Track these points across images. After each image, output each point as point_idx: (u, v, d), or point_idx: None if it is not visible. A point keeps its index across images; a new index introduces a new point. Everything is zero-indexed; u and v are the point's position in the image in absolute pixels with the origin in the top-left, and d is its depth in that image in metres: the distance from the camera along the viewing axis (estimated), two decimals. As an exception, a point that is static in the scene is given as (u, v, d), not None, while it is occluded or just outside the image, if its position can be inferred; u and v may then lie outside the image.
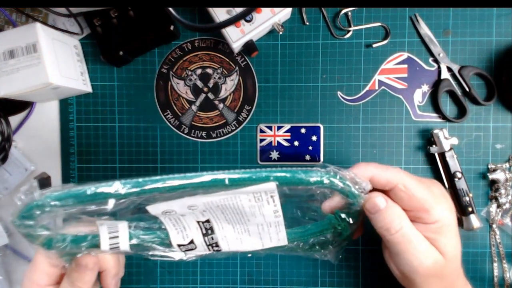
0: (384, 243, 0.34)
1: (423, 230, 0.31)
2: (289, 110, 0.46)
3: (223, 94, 0.46)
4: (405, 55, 0.45)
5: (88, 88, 0.45)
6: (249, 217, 0.31)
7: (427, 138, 0.45)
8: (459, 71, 0.44)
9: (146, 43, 0.44)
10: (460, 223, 0.44)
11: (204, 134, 0.46)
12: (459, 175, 0.43)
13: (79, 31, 0.44)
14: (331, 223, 0.34)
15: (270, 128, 0.46)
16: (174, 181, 0.28)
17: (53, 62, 0.39)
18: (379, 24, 0.44)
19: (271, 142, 0.46)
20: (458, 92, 0.44)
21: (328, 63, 0.45)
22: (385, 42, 0.44)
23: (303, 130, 0.46)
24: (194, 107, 0.46)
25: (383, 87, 0.45)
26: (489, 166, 0.44)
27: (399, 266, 0.32)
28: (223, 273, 0.47)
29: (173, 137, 0.46)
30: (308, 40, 0.45)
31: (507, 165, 0.44)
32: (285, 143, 0.46)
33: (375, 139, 0.45)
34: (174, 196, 0.29)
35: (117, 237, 0.31)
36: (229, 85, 0.46)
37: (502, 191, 0.44)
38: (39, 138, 0.47)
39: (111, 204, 0.28)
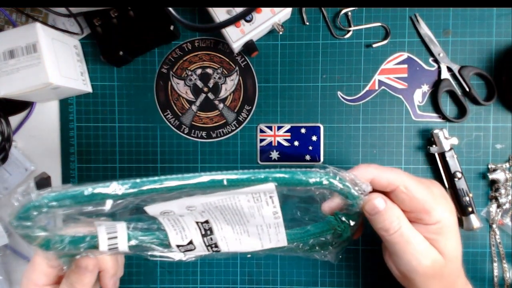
0: (384, 244, 0.34)
1: (423, 231, 0.31)
2: (289, 110, 0.46)
3: (223, 94, 0.46)
4: (405, 55, 0.45)
5: (88, 88, 0.45)
6: (248, 218, 0.31)
7: (427, 138, 0.45)
8: (459, 71, 0.44)
9: (146, 43, 0.44)
10: (460, 223, 0.44)
11: (204, 134, 0.46)
12: (459, 175, 0.43)
13: (79, 31, 0.44)
14: (331, 224, 0.34)
15: (270, 128, 0.46)
16: (172, 181, 0.27)
17: (53, 62, 0.39)
18: (379, 24, 0.44)
19: (271, 142, 0.46)
20: (458, 92, 0.44)
21: (328, 63, 0.45)
22: (385, 42, 0.44)
23: (303, 130, 0.46)
24: (194, 107, 0.46)
25: (383, 87, 0.45)
26: (489, 166, 0.44)
27: (399, 266, 0.32)
28: (223, 273, 0.47)
29: (173, 137, 0.46)
30: (308, 40, 0.45)
31: (507, 165, 0.44)
32: (285, 143, 0.46)
33: (375, 139, 0.45)
34: (172, 196, 0.28)
35: (115, 237, 0.31)
36: (229, 85, 0.46)
37: (502, 191, 0.44)
38: (39, 138, 0.47)
39: (108, 204, 0.28)
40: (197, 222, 0.31)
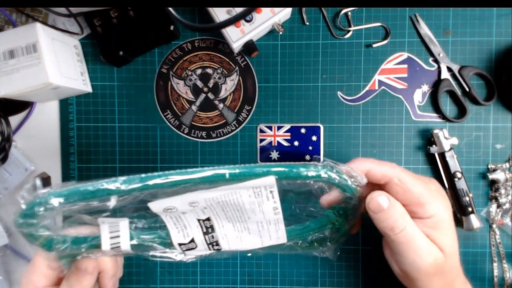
0: (385, 242, 0.34)
1: (420, 226, 0.32)
2: (289, 110, 0.46)
3: (223, 94, 0.46)
4: (405, 55, 0.45)
5: (88, 88, 0.46)
6: (249, 214, 0.31)
7: (427, 138, 0.45)
8: (459, 71, 0.44)
9: (146, 43, 0.44)
10: (460, 223, 0.44)
11: (204, 134, 0.46)
12: (459, 175, 0.43)
13: (79, 31, 0.44)
14: (329, 219, 0.34)
15: (270, 128, 0.46)
16: (176, 176, 0.28)
17: (53, 62, 0.39)
18: (379, 24, 0.44)
19: (271, 142, 0.46)
20: (458, 92, 0.44)
21: (328, 63, 0.45)
22: (385, 42, 0.44)
23: (303, 130, 0.46)
24: (194, 107, 0.46)
25: (383, 87, 0.45)
26: (489, 166, 0.44)
27: (402, 264, 0.32)
28: (223, 273, 0.47)
29: (173, 137, 0.46)
30: (308, 40, 0.45)
31: (507, 165, 0.44)
32: (285, 143, 0.46)
33: (375, 139, 0.45)
34: (175, 192, 0.29)
35: (118, 236, 0.31)
36: (229, 85, 0.46)
37: (502, 191, 0.44)
38: (39, 138, 0.47)
39: (113, 200, 0.28)
40: (198, 220, 0.32)
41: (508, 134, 0.44)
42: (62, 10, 0.41)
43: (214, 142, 0.46)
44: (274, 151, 0.46)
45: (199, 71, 0.46)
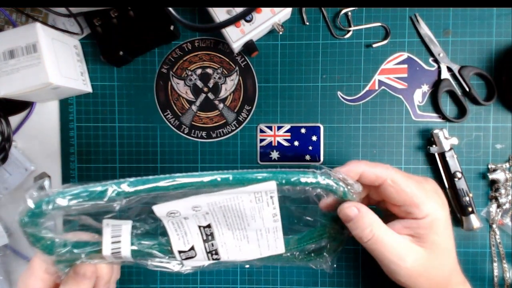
0: None
1: (414, 226, 0.32)
2: (289, 110, 0.46)
3: (223, 94, 0.46)
4: (405, 55, 0.45)
5: (88, 88, 0.45)
6: (249, 221, 0.32)
7: (427, 138, 0.45)
8: (459, 71, 0.44)
9: (146, 43, 0.44)
10: (460, 223, 0.44)
11: (204, 134, 0.46)
12: (459, 175, 0.43)
13: (79, 31, 0.44)
14: (325, 228, 0.35)
15: (270, 128, 0.46)
16: (182, 179, 0.29)
17: (53, 62, 0.39)
18: (379, 24, 0.44)
19: (271, 142, 0.46)
20: (458, 92, 0.44)
21: (328, 63, 0.45)
22: (385, 42, 0.44)
23: (303, 130, 0.46)
24: (194, 107, 0.46)
25: (383, 87, 0.45)
26: (489, 166, 0.44)
27: (382, 267, 0.33)
28: (223, 273, 0.47)
29: (173, 137, 0.46)
30: (308, 40, 0.45)
31: (507, 165, 0.44)
32: (285, 143, 0.46)
33: (375, 139, 0.45)
34: (179, 195, 0.29)
35: (119, 241, 0.31)
36: (229, 85, 0.46)
37: (502, 191, 0.44)
38: (39, 138, 0.47)
39: (120, 201, 0.29)
40: (199, 227, 0.32)
41: (508, 134, 0.44)
42: (62, 10, 0.41)
43: (214, 142, 0.46)
44: (274, 151, 0.46)
45: (199, 71, 0.46)
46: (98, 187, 0.28)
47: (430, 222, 0.32)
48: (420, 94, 0.45)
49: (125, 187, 0.28)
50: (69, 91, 0.43)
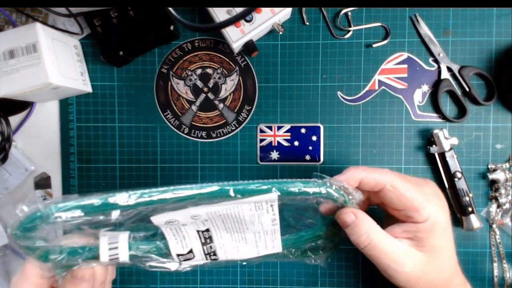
0: None
1: (414, 230, 0.32)
2: (289, 110, 0.46)
3: (223, 94, 0.46)
4: (405, 55, 0.45)
5: (88, 88, 0.45)
6: (248, 225, 0.32)
7: (427, 138, 0.45)
8: (459, 71, 0.44)
9: (146, 43, 0.44)
10: (460, 223, 0.44)
11: (204, 134, 0.46)
12: (459, 175, 0.43)
13: (79, 31, 0.44)
14: (323, 229, 0.35)
15: (270, 128, 0.46)
16: (182, 191, 0.28)
17: (53, 62, 0.39)
18: (379, 24, 0.44)
19: (271, 142, 0.46)
20: (458, 92, 0.44)
21: (328, 63, 0.45)
22: (385, 42, 0.44)
23: (303, 130, 0.46)
24: (194, 107, 0.46)
25: (383, 87, 0.45)
26: (489, 166, 0.44)
27: (381, 272, 0.34)
28: (223, 273, 0.47)
29: (173, 137, 0.46)
30: (308, 40, 0.45)
31: (507, 165, 0.44)
32: (285, 143, 0.46)
33: (375, 139, 0.45)
34: (179, 206, 0.29)
35: (116, 248, 0.31)
36: (229, 85, 0.46)
37: (502, 191, 0.44)
38: (39, 138, 0.47)
39: (117, 215, 0.28)
40: (198, 231, 0.32)
41: (508, 134, 0.44)
42: (62, 10, 0.41)
43: (214, 142, 0.46)
44: (274, 151, 0.46)
45: (199, 71, 0.46)
46: (94, 200, 0.27)
47: (430, 225, 0.32)
48: (420, 94, 0.45)
49: (122, 200, 0.28)
50: (69, 91, 0.43)
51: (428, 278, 0.32)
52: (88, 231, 0.31)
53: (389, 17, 0.44)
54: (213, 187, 0.29)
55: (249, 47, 0.42)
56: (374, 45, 0.44)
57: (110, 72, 0.46)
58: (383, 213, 0.37)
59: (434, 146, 0.43)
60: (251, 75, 0.46)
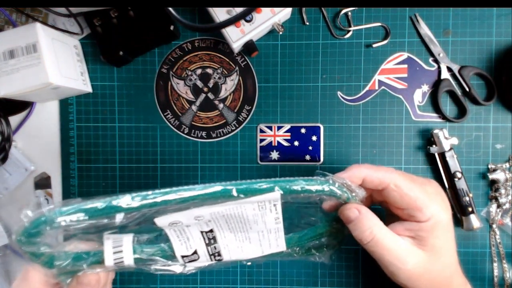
0: None
1: (416, 229, 0.32)
2: (289, 110, 0.46)
3: (223, 94, 0.46)
4: (405, 55, 0.45)
5: (88, 88, 0.45)
6: (251, 225, 0.32)
7: (427, 138, 0.45)
8: (459, 71, 0.44)
9: (146, 43, 0.44)
10: (460, 223, 0.44)
11: (204, 134, 0.46)
12: (459, 175, 0.43)
13: (79, 31, 0.44)
14: (326, 227, 0.35)
15: (270, 128, 0.46)
16: (185, 192, 0.28)
17: (53, 62, 0.39)
18: (379, 24, 0.44)
19: (271, 142, 0.46)
20: (458, 92, 0.44)
21: (328, 63, 0.45)
22: (385, 42, 0.44)
23: (303, 130, 0.46)
24: (194, 107, 0.46)
25: (383, 87, 0.45)
26: (489, 166, 0.44)
27: (383, 268, 0.34)
28: (223, 273, 0.47)
29: (173, 137, 0.46)
30: (308, 40, 0.45)
31: (507, 165, 0.44)
32: (285, 143, 0.46)
33: (375, 139, 0.45)
34: (182, 207, 0.29)
35: (121, 251, 0.31)
36: (229, 85, 0.46)
37: (502, 191, 0.44)
38: (39, 138, 0.47)
39: (121, 218, 0.28)
40: (201, 232, 0.32)
41: (508, 134, 0.44)
42: (62, 10, 0.41)
43: (214, 142, 0.46)
44: (274, 151, 0.46)
45: (199, 71, 0.46)
46: (97, 203, 0.27)
47: (432, 225, 0.32)
48: (420, 94, 0.45)
49: (125, 203, 0.28)
50: (69, 91, 0.43)
51: (429, 277, 0.32)
52: (92, 235, 0.31)
53: (389, 17, 0.44)
54: (216, 188, 0.29)
55: (249, 47, 0.42)
56: (374, 45, 0.44)
57: (110, 72, 0.46)
58: (385, 211, 0.37)
59: (434, 146, 0.43)
60: (251, 75, 0.46)
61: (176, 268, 0.34)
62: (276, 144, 0.46)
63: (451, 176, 0.43)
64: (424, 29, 0.44)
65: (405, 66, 0.45)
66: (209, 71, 0.46)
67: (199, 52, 0.46)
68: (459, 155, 0.44)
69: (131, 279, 0.47)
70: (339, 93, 0.45)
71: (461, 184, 0.43)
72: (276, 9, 0.40)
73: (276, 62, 0.45)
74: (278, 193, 0.30)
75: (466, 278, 0.35)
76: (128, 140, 0.46)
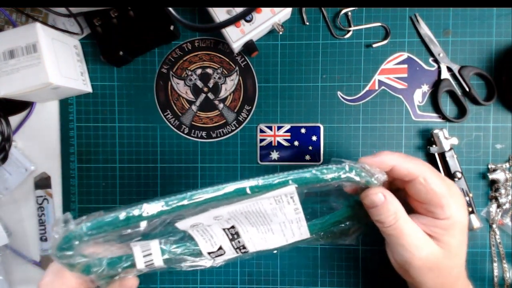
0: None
1: (431, 225, 0.32)
2: (289, 110, 0.46)
3: (223, 94, 0.46)
4: (405, 55, 0.45)
5: (88, 88, 0.45)
6: (271, 218, 0.32)
7: (427, 138, 0.45)
8: (459, 71, 0.44)
9: (146, 43, 0.44)
10: (460, 223, 0.44)
11: (204, 134, 0.46)
12: (459, 175, 0.43)
13: (79, 31, 0.44)
14: (348, 211, 0.35)
15: (270, 128, 0.46)
16: (201, 195, 0.29)
17: (53, 62, 0.39)
18: (379, 24, 0.44)
19: (271, 142, 0.46)
20: (458, 92, 0.44)
21: (328, 63, 0.45)
22: (385, 42, 0.44)
23: (303, 130, 0.46)
24: (194, 107, 0.46)
25: (383, 87, 0.45)
26: (489, 166, 0.44)
27: (394, 255, 0.33)
28: (223, 273, 0.47)
29: (173, 137, 0.46)
30: (308, 40, 0.45)
31: (507, 165, 0.44)
32: (285, 143, 0.46)
33: (375, 139, 0.45)
34: (200, 210, 0.30)
35: (150, 254, 0.32)
36: (229, 85, 0.46)
37: (502, 191, 0.44)
38: (39, 138, 0.47)
39: (143, 225, 0.30)
40: (224, 229, 0.33)
41: (508, 134, 0.44)
42: (62, 10, 0.41)
43: (214, 142, 0.46)
44: (274, 151, 0.46)
45: (199, 71, 0.46)
46: (121, 213, 0.29)
47: (450, 224, 0.31)
48: (420, 94, 0.45)
49: (144, 211, 0.29)
50: (69, 91, 0.43)
51: (438, 273, 0.32)
52: (118, 245, 0.32)
53: (389, 17, 0.44)
54: (229, 188, 0.29)
55: (249, 47, 0.42)
56: (374, 45, 0.44)
57: (110, 72, 0.46)
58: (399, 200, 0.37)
59: (434, 146, 0.43)
60: (251, 75, 0.46)
61: (205, 263, 0.35)
62: (276, 144, 0.46)
63: (451, 176, 0.43)
64: (424, 29, 0.44)
65: (405, 66, 0.45)
66: (209, 71, 0.46)
67: (199, 52, 0.46)
68: (459, 155, 0.44)
69: (131, 279, 0.47)
70: (339, 93, 0.45)
71: (461, 184, 0.43)
72: (276, 9, 0.40)
73: (276, 62, 0.45)
74: (292, 186, 0.29)
75: (469, 279, 0.35)
76: (128, 140, 0.46)
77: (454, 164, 0.43)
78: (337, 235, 0.36)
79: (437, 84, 0.44)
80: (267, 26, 0.41)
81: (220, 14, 0.40)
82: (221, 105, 0.46)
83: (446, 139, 0.43)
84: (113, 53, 0.43)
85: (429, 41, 0.44)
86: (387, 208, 0.31)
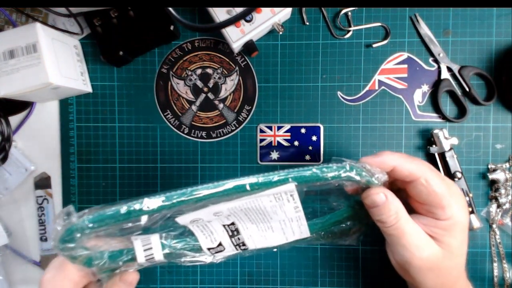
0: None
1: (432, 225, 0.32)
2: (289, 110, 0.46)
3: (223, 94, 0.46)
4: (405, 55, 0.45)
5: (88, 88, 0.45)
6: (271, 215, 0.32)
7: (427, 138, 0.45)
8: (459, 71, 0.44)
9: (146, 43, 0.44)
10: (460, 223, 0.44)
11: (204, 134, 0.46)
12: (459, 175, 0.43)
13: (79, 31, 0.44)
14: (349, 211, 0.35)
15: (270, 128, 0.46)
16: (201, 191, 0.29)
17: (53, 62, 0.39)
18: (379, 24, 0.44)
19: (271, 142, 0.46)
20: (458, 92, 0.44)
21: (328, 63, 0.45)
22: (385, 42, 0.44)
23: (303, 130, 0.46)
24: (194, 107, 0.46)
25: (383, 87, 0.45)
26: (489, 166, 0.44)
27: (394, 255, 0.33)
28: (223, 273, 0.47)
29: (173, 137, 0.46)
30: (308, 40, 0.45)
31: (507, 165, 0.44)
32: (285, 143, 0.46)
33: (375, 139, 0.45)
34: (200, 206, 0.30)
35: (151, 248, 0.33)
36: (229, 85, 0.46)
37: (502, 191, 0.44)
38: (39, 138, 0.47)
39: (144, 219, 0.30)
40: (224, 225, 0.33)
41: (508, 134, 0.44)
42: (62, 10, 0.41)
43: (214, 142, 0.46)
44: (274, 151, 0.46)
45: (199, 71, 0.46)
46: (122, 207, 0.29)
47: (450, 224, 0.31)
48: (420, 94, 0.45)
49: (145, 205, 0.29)
50: (69, 91, 0.43)
51: (438, 273, 0.32)
52: (119, 238, 0.33)
53: (389, 17, 0.44)
54: (229, 184, 0.29)
55: (249, 47, 0.42)
56: (374, 45, 0.44)
57: (110, 72, 0.46)
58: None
59: (434, 146, 0.43)
60: (251, 75, 0.46)
61: (205, 258, 0.35)
62: (276, 144, 0.46)
63: (451, 176, 0.43)
64: (424, 29, 0.44)
65: (405, 66, 0.45)
66: (209, 71, 0.46)
67: (199, 52, 0.46)
68: (459, 155, 0.44)
69: (131, 279, 0.47)
70: (339, 93, 0.45)
71: (461, 184, 0.43)
72: (276, 9, 0.40)
73: (276, 62, 0.45)
74: (292, 184, 0.29)
75: (469, 280, 0.35)
76: (128, 140, 0.46)
77: (454, 164, 0.43)
78: (337, 235, 0.36)
79: (437, 84, 0.44)
80: (267, 26, 0.41)
81: (220, 14, 0.40)
82: (221, 105, 0.46)
83: (446, 139, 0.43)
84: (113, 53, 0.43)
85: (429, 41, 0.44)
86: (389, 208, 0.31)
